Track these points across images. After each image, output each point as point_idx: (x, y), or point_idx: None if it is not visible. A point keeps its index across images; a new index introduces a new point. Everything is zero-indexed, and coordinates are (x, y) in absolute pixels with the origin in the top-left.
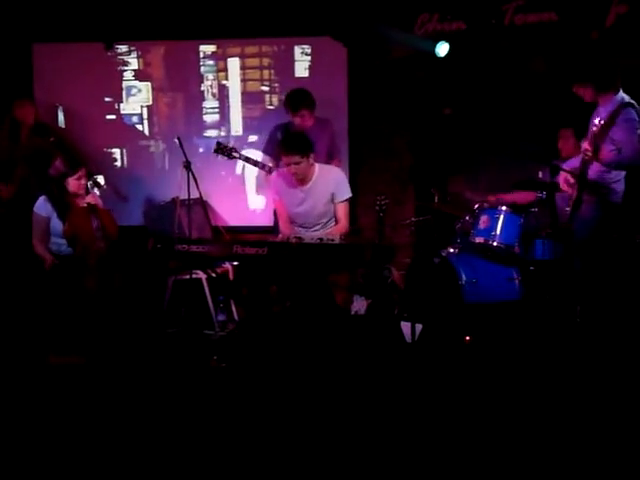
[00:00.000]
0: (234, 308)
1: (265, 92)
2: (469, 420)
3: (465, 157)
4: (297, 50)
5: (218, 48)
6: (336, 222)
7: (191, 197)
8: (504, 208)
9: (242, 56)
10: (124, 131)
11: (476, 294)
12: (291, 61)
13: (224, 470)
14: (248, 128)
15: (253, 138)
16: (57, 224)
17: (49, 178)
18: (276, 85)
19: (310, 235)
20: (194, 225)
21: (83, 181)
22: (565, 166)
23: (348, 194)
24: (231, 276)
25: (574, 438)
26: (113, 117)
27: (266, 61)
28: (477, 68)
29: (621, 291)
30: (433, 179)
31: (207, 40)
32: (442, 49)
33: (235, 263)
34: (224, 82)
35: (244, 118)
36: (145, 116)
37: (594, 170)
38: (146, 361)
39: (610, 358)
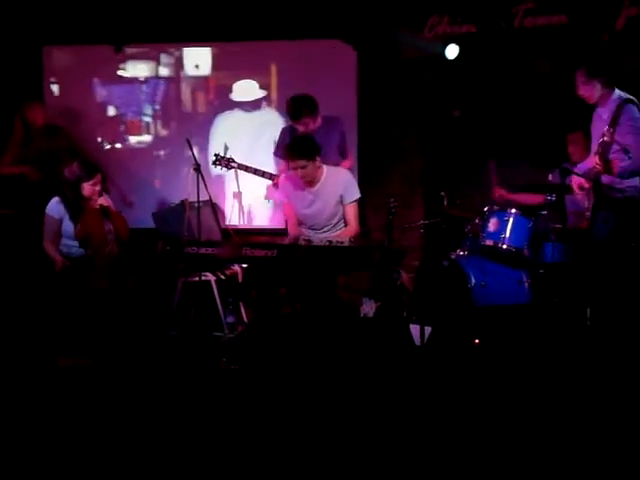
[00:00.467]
0: (243, 310)
1: (275, 95)
2: (478, 423)
3: (474, 159)
4: (307, 53)
5: (229, 50)
6: (346, 225)
7: (200, 199)
8: (513, 211)
9: (252, 59)
10: (133, 133)
11: (485, 297)
12: (301, 64)
13: (233, 471)
14: (259, 131)
15: (264, 140)
16: (69, 226)
17: (63, 180)
18: (286, 88)
19: (319, 237)
20: (203, 227)
21: (98, 187)
22: (577, 170)
23: (357, 195)
24: (240, 278)
25: (583, 441)
26: (122, 119)
27: (277, 64)
28: (487, 71)
29: (632, 294)
30: (443, 181)
31: (218, 42)
32: (452, 51)
33: (244, 265)
34: (234, 84)
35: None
36: (155, 118)
37: (607, 176)
38: (155, 363)
39: (620, 361)
